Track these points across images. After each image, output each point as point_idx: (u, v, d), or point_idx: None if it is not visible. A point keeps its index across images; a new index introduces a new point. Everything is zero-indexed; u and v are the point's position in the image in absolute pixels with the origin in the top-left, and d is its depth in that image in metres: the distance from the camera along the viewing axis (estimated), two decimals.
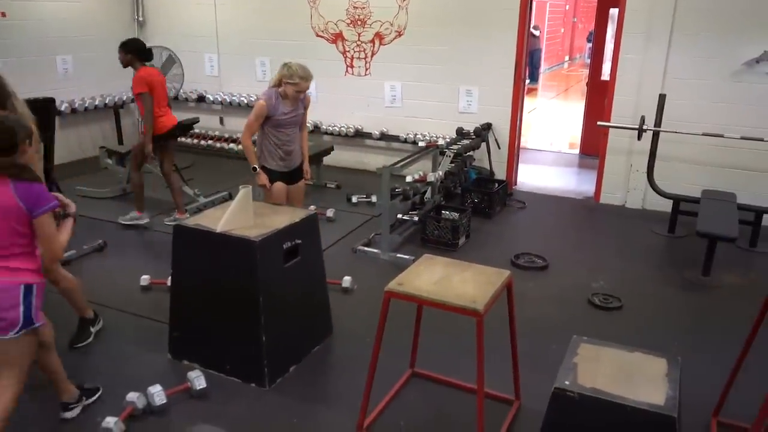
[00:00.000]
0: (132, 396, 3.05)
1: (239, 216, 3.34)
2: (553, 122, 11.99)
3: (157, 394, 3.09)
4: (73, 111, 7.59)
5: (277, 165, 4.31)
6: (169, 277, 3.67)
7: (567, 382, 2.24)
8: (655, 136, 5.79)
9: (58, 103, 6.92)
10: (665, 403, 2.13)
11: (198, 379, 3.23)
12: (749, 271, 5.00)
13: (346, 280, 4.45)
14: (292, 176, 4.43)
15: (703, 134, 5.71)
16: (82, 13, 7.78)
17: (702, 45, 5.85)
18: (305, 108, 4.38)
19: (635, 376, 2.30)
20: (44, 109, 5.28)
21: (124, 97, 8.20)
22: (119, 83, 8.18)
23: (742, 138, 5.59)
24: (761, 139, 5.53)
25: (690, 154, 6.06)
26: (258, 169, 4.26)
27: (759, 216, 5.39)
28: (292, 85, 4.12)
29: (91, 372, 3.39)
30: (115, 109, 8.15)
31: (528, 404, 3.18)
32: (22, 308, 2.55)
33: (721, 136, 5.64)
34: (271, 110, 4.14)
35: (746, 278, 4.84)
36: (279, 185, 4.33)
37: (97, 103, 7.85)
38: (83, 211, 5.72)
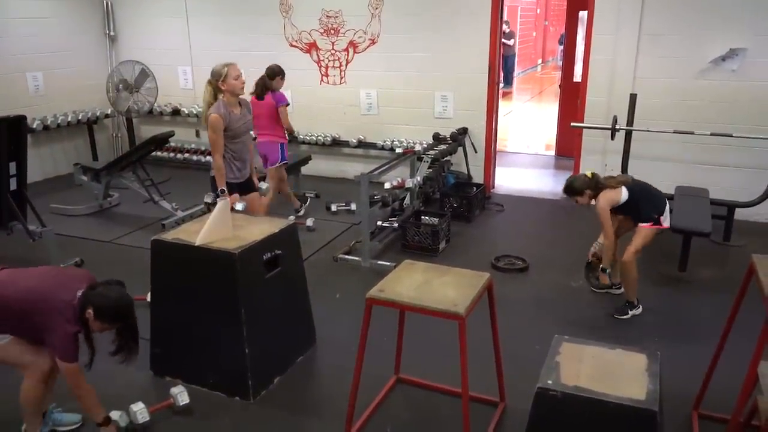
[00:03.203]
0: (114, 414, 3.00)
1: (218, 229, 3.32)
2: (528, 125, 12.11)
3: (140, 411, 3.05)
4: (46, 128, 7.48)
5: (235, 176, 4.29)
6: (149, 293, 3.63)
7: (550, 382, 2.26)
8: (628, 135, 5.88)
9: (30, 120, 6.81)
10: (646, 397, 2.16)
11: (181, 395, 3.20)
12: (724, 264, 5.09)
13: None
14: (245, 186, 4.41)
15: (675, 132, 5.82)
16: (52, 29, 7.68)
17: (670, 45, 5.98)
18: (249, 112, 4.38)
19: (616, 373, 2.33)
20: (15, 127, 5.22)
21: (98, 113, 8.11)
22: (92, 98, 8.10)
23: (712, 134, 5.69)
24: (730, 135, 5.64)
25: (662, 151, 6.17)
26: (225, 192, 4.17)
27: (731, 210, 5.50)
28: (232, 79, 4.06)
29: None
30: (89, 125, 8.07)
31: (513, 405, 3.20)
32: (279, 153, 5.59)
33: (692, 133, 5.75)
34: (226, 121, 4.09)
35: (721, 272, 4.93)
36: (236, 197, 4.30)
37: (69, 119, 7.75)
38: (59, 229, 5.66)
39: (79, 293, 2.66)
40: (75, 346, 2.66)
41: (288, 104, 5.77)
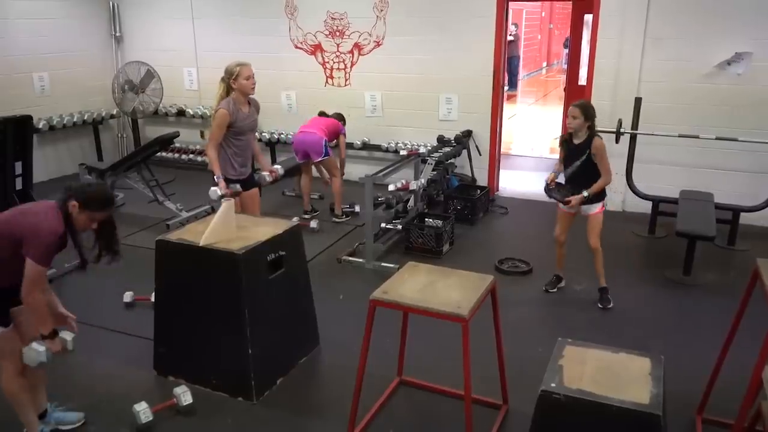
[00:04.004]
0: (66, 335, 2.86)
1: (222, 229, 3.33)
2: (532, 128, 12.09)
3: (143, 411, 3.05)
4: (51, 128, 7.51)
5: (236, 173, 4.32)
6: (153, 293, 3.64)
7: (553, 385, 2.25)
8: (633, 138, 5.87)
9: (35, 120, 6.83)
10: (650, 401, 2.16)
11: (184, 395, 3.20)
12: (728, 269, 5.08)
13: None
14: (245, 185, 4.42)
15: (679, 136, 5.80)
16: (58, 30, 7.71)
17: (675, 48, 5.96)
18: (258, 112, 4.41)
19: (620, 376, 2.33)
20: (21, 127, 5.24)
21: (103, 113, 8.14)
22: (98, 99, 8.13)
23: (717, 138, 5.68)
24: (735, 139, 5.63)
25: (667, 155, 6.16)
26: (221, 177, 4.20)
27: (736, 215, 5.48)
28: (243, 78, 4.14)
29: (76, 391, 3.34)
30: (95, 126, 8.10)
31: (516, 408, 3.19)
32: (324, 148, 5.97)
33: (697, 137, 5.73)
34: (233, 117, 4.15)
35: (726, 276, 4.91)
36: (237, 189, 4.32)
37: (75, 119, 7.78)
38: None
39: (57, 200, 2.69)
40: (53, 251, 2.66)
41: (345, 136, 6.57)
